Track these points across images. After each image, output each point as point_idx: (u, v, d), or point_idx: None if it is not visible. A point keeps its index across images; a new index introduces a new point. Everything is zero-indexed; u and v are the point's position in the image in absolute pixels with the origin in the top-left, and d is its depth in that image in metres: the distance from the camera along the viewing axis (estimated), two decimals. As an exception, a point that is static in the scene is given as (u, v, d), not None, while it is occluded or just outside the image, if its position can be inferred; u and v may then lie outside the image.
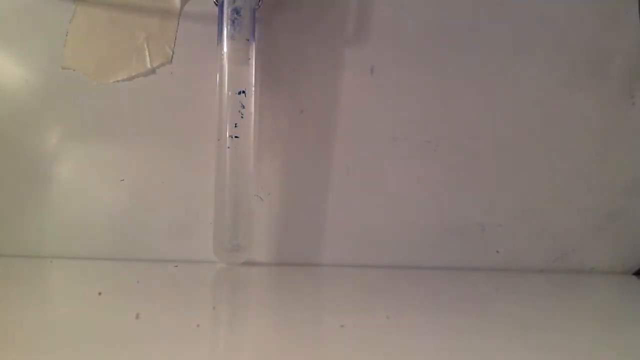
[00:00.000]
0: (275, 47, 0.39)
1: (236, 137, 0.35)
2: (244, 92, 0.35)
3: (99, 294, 0.31)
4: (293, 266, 0.40)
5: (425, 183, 0.40)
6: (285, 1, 0.38)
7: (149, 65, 0.38)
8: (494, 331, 0.28)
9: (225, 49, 0.35)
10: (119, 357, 0.23)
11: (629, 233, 0.41)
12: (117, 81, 0.38)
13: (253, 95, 0.36)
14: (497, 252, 0.40)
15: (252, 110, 0.36)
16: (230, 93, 0.35)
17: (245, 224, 0.36)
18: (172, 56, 0.38)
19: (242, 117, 0.35)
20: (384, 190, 0.40)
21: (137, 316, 0.27)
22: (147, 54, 0.38)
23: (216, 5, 0.36)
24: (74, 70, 0.38)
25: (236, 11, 0.35)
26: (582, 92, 0.39)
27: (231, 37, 0.35)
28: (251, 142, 0.36)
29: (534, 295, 0.37)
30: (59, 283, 0.37)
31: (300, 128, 0.39)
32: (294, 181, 0.39)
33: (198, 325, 0.26)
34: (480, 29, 0.39)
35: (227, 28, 0.35)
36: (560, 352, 0.25)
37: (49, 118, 0.38)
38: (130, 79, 0.38)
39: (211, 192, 0.36)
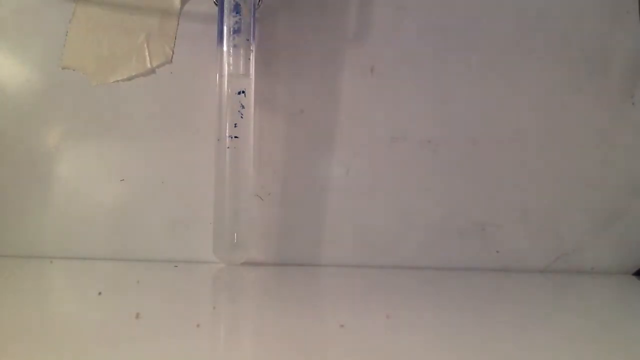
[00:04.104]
0: (275, 47, 0.39)
1: (236, 137, 0.35)
2: (243, 92, 0.35)
3: (99, 294, 0.31)
4: (293, 266, 0.40)
5: (425, 183, 0.40)
6: (285, 1, 0.38)
7: (149, 65, 0.38)
8: (493, 331, 0.28)
9: (225, 49, 0.35)
10: (119, 357, 0.23)
11: (628, 233, 0.41)
12: (117, 81, 0.38)
13: (253, 95, 0.36)
14: (497, 252, 0.40)
15: (252, 110, 0.36)
16: (230, 93, 0.35)
17: (245, 223, 0.36)
18: (172, 56, 0.38)
19: (241, 117, 0.35)
20: (384, 190, 0.40)
21: (137, 316, 0.27)
22: (147, 54, 0.38)
23: (216, 5, 0.36)
24: (74, 70, 0.38)
25: (236, 11, 0.35)
26: (582, 92, 0.39)
27: (231, 37, 0.35)
28: (251, 142, 0.36)
29: (534, 295, 0.37)
30: (59, 283, 0.37)
31: (300, 128, 0.39)
32: (294, 181, 0.39)
33: (198, 325, 0.26)
34: (480, 29, 0.39)
35: (227, 28, 0.35)
36: (560, 352, 0.25)
37: (49, 118, 0.39)
38: (130, 79, 0.38)
39: (211, 192, 0.36)
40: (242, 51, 0.35)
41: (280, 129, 0.39)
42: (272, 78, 0.39)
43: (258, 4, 0.36)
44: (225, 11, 0.35)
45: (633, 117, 0.40)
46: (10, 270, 0.37)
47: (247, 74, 0.36)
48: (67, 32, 0.38)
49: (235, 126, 0.35)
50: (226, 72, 0.35)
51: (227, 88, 0.35)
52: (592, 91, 0.39)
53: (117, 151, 0.39)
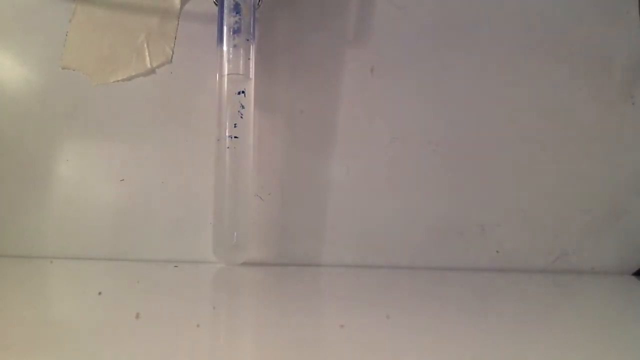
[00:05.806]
0: (275, 47, 0.39)
1: (236, 137, 0.35)
2: (243, 92, 0.35)
3: (99, 294, 0.31)
4: (293, 266, 0.40)
5: (425, 183, 0.40)
6: (286, 1, 0.38)
7: (149, 65, 0.38)
8: (493, 331, 0.28)
9: (225, 49, 0.35)
10: (119, 357, 0.23)
11: (628, 233, 0.41)
12: (117, 81, 0.38)
13: (253, 95, 0.36)
14: (497, 252, 0.40)
15: (252, 110, 0.36)
16: (229, 93, 0.35)
17: (245, 223, 0.36)
18: (172, 56, 0.38)
19: (241, 117, 0.35)
20: (384, 190, 0.40)
21: (137, 316, 0.27)
22: (147, 54, 0.38)
23: (216, 5, 0.36)
24: (74, 70, 0.38)
25: (236, 11, 0.35)
26: (582, 92, 0.39)
27: (231, 37, 0.35)
28: (251, 142, 0.36)
29: (534, 295, 0.37)
30: (59, 283, 0.37)
31: (300, 128, 0.39)
32: (294, 181, 0.39)
33: (198, 325, 0.26)
34: (480, 29, 0.39)
35: (227, 28, 0.35)
36: (560, 352, 0.25)
37: (49, 118, 0.39)
38: (130, 79, 0.38)
39: (211, 192, 0.36)
40: (242, 51, 0.35)
41: (280, 129, 0.39)
42: (272, 78, 0.39)
43: (258, 4, 0.36)
44: (225, 11, 0.35)
45: (633, 117, 0.40)
46: (10, 270, 0.37)
47: (247, 74, 0.36)
48: (67, 32, 0.38)
49: (235, 126, 0.35)
50: (226, 72, 0.35)
51: (227, 88, 0.35)
52: (592, 91, 0.39)
53: (117, 151, 0.39)
